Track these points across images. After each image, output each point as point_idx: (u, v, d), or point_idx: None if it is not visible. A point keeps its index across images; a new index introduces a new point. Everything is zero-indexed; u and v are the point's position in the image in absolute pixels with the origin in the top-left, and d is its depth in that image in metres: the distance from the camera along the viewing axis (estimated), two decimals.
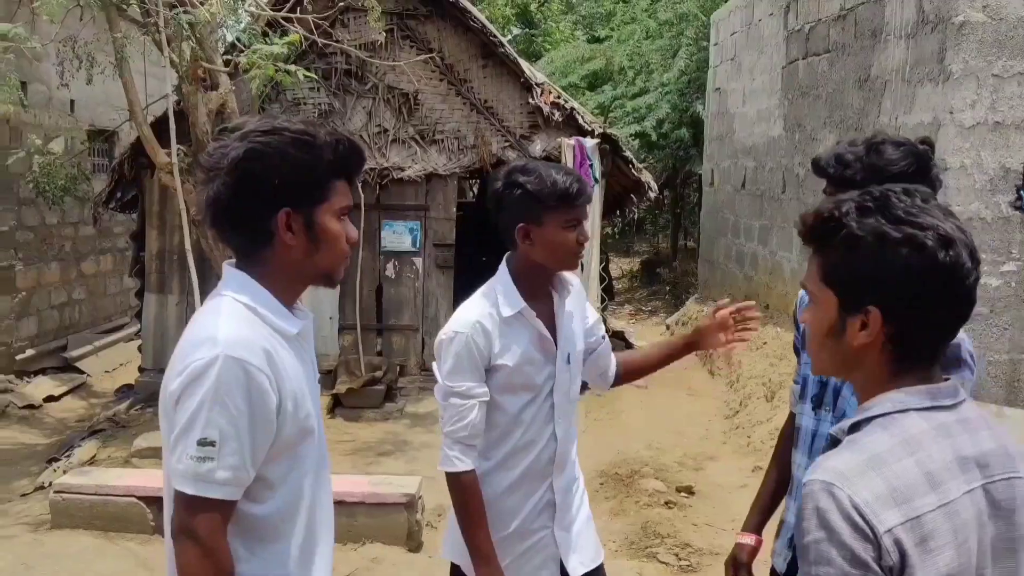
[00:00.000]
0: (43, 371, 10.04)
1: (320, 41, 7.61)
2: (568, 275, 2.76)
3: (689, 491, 6.30)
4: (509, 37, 21.12)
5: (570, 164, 8.28)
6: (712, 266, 12.08)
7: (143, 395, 8.68)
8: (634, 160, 9.44)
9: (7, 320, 9.94)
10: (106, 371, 10.79)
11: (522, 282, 2.62)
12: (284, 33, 7.38)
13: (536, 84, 8.91)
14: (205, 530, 1.77)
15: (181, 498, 1.78)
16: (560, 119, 8.87)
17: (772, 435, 7.39)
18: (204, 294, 8.65)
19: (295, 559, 1.93)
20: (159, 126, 7.55)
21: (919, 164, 2.27)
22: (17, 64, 9.44)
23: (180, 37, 6.83)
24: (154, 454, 7.18)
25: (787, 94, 9.06)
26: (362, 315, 9.06)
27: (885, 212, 1.39)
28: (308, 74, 6.26)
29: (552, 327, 2.65)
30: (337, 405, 8.26)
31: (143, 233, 9.17)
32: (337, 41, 8.35)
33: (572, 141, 8.40)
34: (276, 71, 5.73)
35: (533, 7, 19.84)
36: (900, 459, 1.34)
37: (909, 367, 1.43)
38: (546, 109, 8.80)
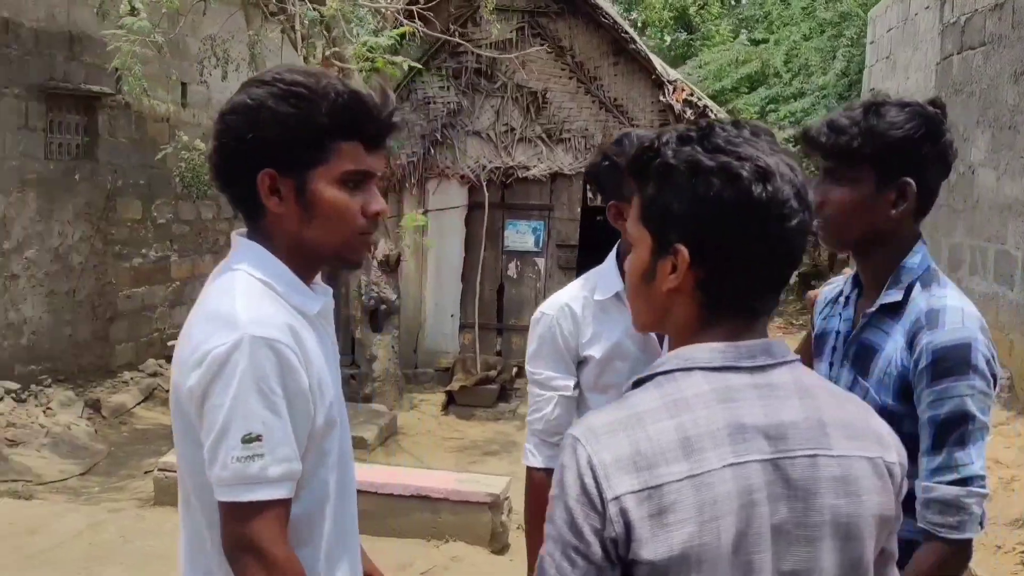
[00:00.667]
0: None
1: (442, 38, 7.66)
2: None
3: None
4: (668, 42, 20.73)
5: None
6: None
7: None
8: None
9: (161, 308, 10.52)
10: None
11: None
12: (413, 31, 7.48)
13: (668, 81, 8.65)
14: (269, 539, 1.52)
15: (232, 510, 1.53)
16: (692, 117, 8.56)
17: None
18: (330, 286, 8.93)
19: (322, 566, 1.70)
20: None
21: (928, 128, 1.92)
22: (179, 66, 10.04)
23: (312, 34, 7.02)
24: None
25: (940, 92, 8.40)
26: (483, 314, 9.04)
27: (704, 141, 1.24)
28: (414, 64, 6.27)
29: None
30: (451, 402, 8.27)
31: None
32: (467, 40, 8.39)
33: None
34: (385, 63, 5.75)
35: (692, 10, 19.36)
36: (659, 421, 1.19)
37: (719, 319, 1.27)
38: (677, 107, 8.53)
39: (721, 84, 15.86)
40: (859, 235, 2.02)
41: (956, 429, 1.83)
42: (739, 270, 1.24)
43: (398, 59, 5.99)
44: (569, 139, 8.88)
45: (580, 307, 2.33)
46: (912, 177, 1.95)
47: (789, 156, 1.26)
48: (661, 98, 8.65)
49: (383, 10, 7.14)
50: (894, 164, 1.95)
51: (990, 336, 1.93)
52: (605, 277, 2.36)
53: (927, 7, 8.91)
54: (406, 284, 8.82)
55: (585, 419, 1.25)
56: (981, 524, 1.89)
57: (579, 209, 8.99)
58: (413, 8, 6.93)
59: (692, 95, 8.68)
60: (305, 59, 7.29)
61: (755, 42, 17.10)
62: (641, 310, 1.36)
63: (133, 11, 6.93)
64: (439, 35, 7.54)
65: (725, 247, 1.22)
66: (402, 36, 6.20)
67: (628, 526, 1.15)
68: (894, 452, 1.31)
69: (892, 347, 1.95)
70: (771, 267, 1.25)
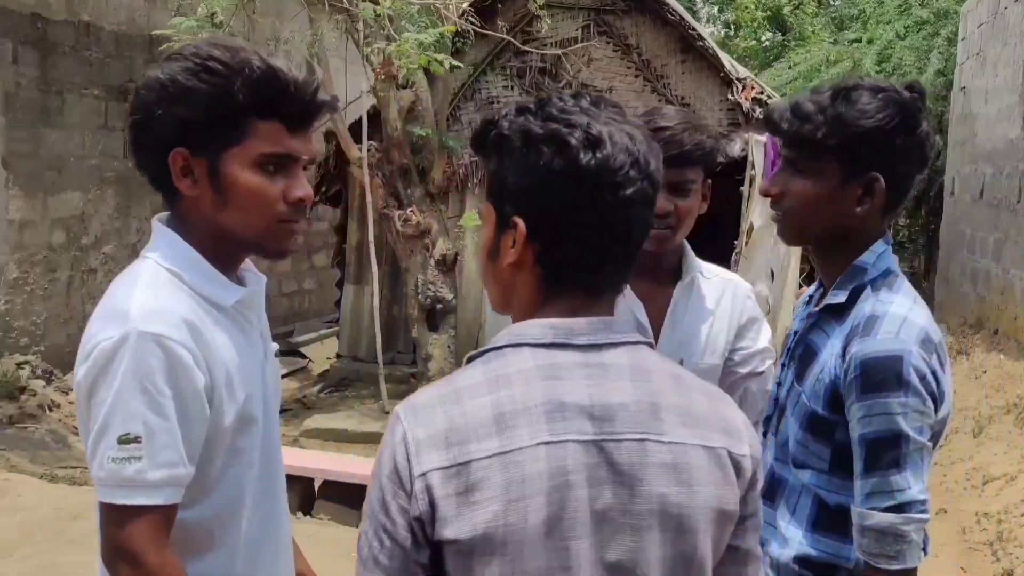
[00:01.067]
0: None
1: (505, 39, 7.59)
2: (710, 267, 2.26)
3: None
4: (764, 43, 20.23)
5: (760, 164, 7.72)
6: (948, 286, 10.84)
7: (333, 379, 9.08)
8: None
9: None
10: (327, 357, 11.41)
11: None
12: (483, 35, 7.48)
13: (737, 79, 8.40)
14: (144, 546, 1.46)
15: (109, 512, 1.48)
16: (763, 116, 8.28)
17: (970, 476, 6.48)
18: (394, 287, 8.97)
19: (240, 568, 1.65)
20: (358, 124, 7.91)
21: (903, 116, 1.75)
22: None
23: (370, 33, 7.07)
24: (319, 435, 7.49)
25: None
26: None
27: (540, 111, 1.21)
28: (456, 64, 6.22)
29: (661, 322, 2.16)
30: None
31: (346, 225, 9.57)
32: (531, 39, 8.32)
33: (763, 138, 7.81)
34: (429, 61, 5.73)
35: (786, 10, 18.83)
36: (477, 397, 1.17)
37: (558, 295, 1.23)
38: (746, 105, 8.27)
39: (812, 85, 15.38)
40: (819, 231, 1.88)
41: (889, 450, 1.66)
42: (573, 241, 1.19)
43: (440, 56, 5.96)
44: None
45: None
46: (881, 171, 1.79)
47: (635, 127, 1.20)
48: (729, 96, 8.41)
49: (437, 7, 7.13)
50: (862, 157, 1.78)
51: (938, 349, 1.73)
52: None
53: (1017, 0, 8.44)
54: (467, 284, 8.78)
55: (411, 395, 1.24)
56: (925, 550, 1.72)
57: None
58: (468, 6, 6.89)
59: (762, 93, 8.41)
60: (367, 58, 7.35)
61: (850, 41, 16.55)
62: (491, 289, 1.31)
63: (212, 15, 7.11)
64: (492, 33, 7.48)
65: (558, 217, 1.19)
66: (454, 35, 6.16)
67: (432, 504, 1.12)
68: (746, 444, 1.22)
69: (828, 352, 1.80)
70: (606, 238, 1.20)
